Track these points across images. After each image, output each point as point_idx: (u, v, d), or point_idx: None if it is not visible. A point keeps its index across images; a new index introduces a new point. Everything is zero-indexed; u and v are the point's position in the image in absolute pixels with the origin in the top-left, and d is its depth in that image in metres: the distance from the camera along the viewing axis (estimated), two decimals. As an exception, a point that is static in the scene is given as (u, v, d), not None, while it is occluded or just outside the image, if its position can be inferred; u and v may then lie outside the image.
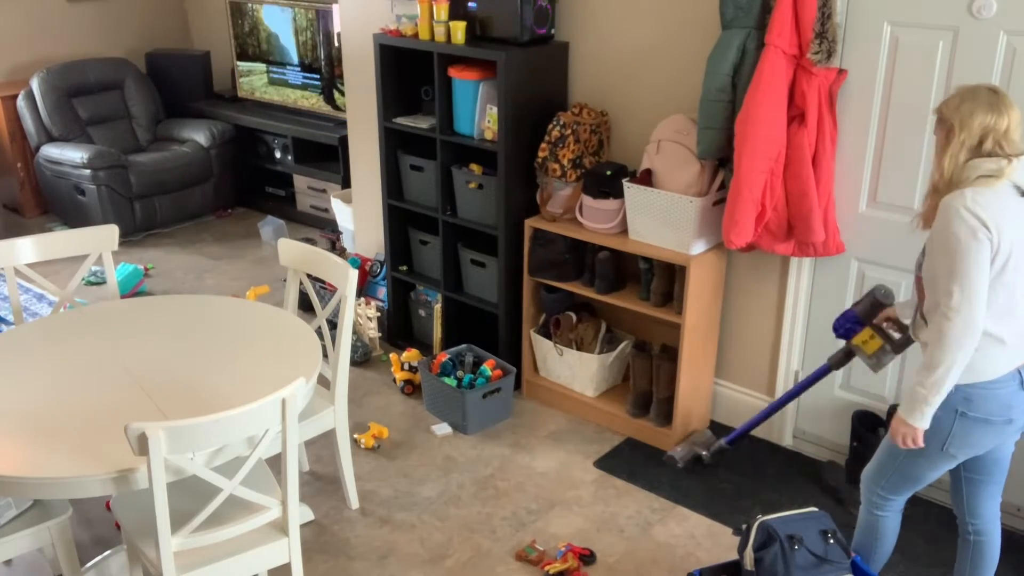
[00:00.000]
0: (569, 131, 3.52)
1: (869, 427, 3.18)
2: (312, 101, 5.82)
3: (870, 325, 2.70)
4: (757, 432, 3.63)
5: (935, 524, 3.10)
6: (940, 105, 2.21)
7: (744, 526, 2.56)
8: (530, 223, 3.67)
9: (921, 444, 2.26)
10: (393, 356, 4.09)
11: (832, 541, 2.49)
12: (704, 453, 3.41)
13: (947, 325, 2.13)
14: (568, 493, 3.32)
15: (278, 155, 5.99)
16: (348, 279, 2.90)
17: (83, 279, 4.19)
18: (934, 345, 2.17)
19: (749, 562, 2.48)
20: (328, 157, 5.78)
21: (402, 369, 4.02)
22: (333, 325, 4.28)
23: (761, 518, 2.52)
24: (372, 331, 4.30)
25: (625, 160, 3.69)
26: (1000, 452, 2.40)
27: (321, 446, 3.57)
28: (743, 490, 3.31)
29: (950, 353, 2.13)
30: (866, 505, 2.55)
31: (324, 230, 5.57)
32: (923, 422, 2.23)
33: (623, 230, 3.50)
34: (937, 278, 2.17)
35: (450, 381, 3.69)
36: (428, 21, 3.69)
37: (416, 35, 3.77)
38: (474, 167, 3.82)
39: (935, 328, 2.17)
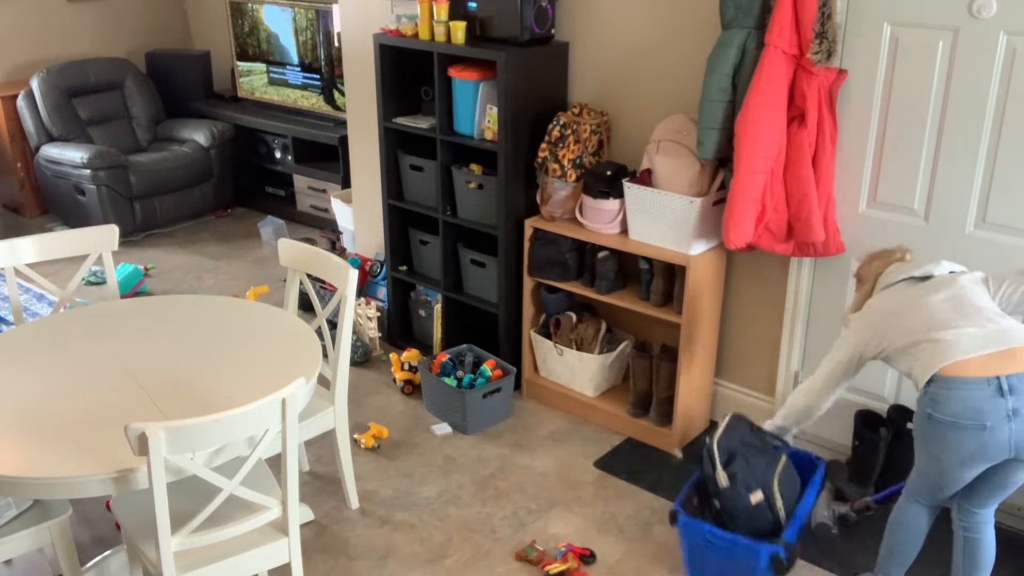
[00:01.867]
0: (569, 131, 3.52)
1: (871, 426, 3.18)
2: (312, 101, 5.82)
3: None
4: (757, 432, 3.64)
5: (935, 525, 3.09)
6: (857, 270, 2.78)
7: (703, 453, 2.81)
8: (530, 223, 3.67)
9: None
10: (393, 356, 4.09)
11: (759, 430, 2.86)
12: (851, 513, 3.02)
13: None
14: (568, 493, 3.32)
15: (278, 155, 5.99)
16: (348, 279, 2.90)
17: (83, 279, 4.19)
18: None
19: (724, 480, 2.73)
20: (328, 157, 5.79)
21: (402, 369, 4.02)
22: (333, 325, 4.28)
23: (708, 441, 2.80)
24: (372, 331, 4.30)
25: (625, 160, 3.69)
26: (1006, 480, 2.39)
27: (321, 446, 3.57)
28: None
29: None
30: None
31: (324, 230, 5.58)
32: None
33: (623, 230, 3.50)
34: None
35: (450, 381, 3.69)
36: (428, 21, 3.70)
37: (416, 35, 3.77)
38: (474, 167, 3.82)
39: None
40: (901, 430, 3.09)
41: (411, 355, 4.07)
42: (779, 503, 2.78)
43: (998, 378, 2.23)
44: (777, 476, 2.79)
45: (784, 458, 2.84)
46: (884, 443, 3.11)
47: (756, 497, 2.75)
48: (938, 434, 2.32)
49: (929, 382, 2.32)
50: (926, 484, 2.48)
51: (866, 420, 3.21)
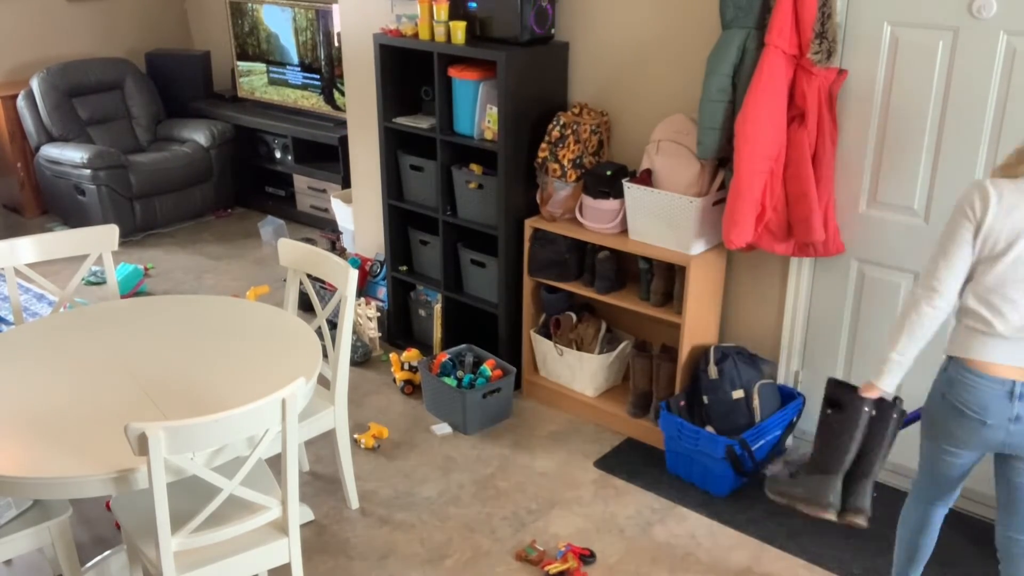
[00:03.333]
0: (569, 131, 3.52)
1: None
2: (312, 101, 5.82)
3: None
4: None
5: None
6: None
7: (708, 352, 3.32)
8: (530, 223, 3.67)
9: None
10: (393, 356, 4.09)
11: (746, 355, 3.33)
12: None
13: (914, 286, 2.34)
14: (568, 493, 3.32)
15: (278, 155, 5.99)
16: (348, 279, 2.90)
17: (83, 279, 4.19)
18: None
19: (714, 372, 3.25)
20: (328, 157, 5.78)
21: (402, 369, 4.02)
22: (333, 325, 4.28)
23: (712, 345, 3.40)
24: (372, 331, 4.30)
25: (625, 160, 3.69)
26: (1018, 487, 2.38)
27: (321, 446, 3.57)
28: (743, 490, 3.31)
29: (903, 308, 2.31)
30: None
31: (324, 230, 5.58)
32: (881, 381, 2.34)
33: (623, 230, 3.50)
34: None
35: (450, 381, 3.69)
36: (428, 21, 3.70)
37: (416, 35, 3.77)
38: (474, 167, 3.82)
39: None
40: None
41: (411, 355, 4.07)
42: (756, 403, 3.22)
43: (1014, 382, 2.24)
44: (760, 384, 3.25)
45: (771, 378, 3.35)
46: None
47: (738, 394, 3.21)
48: (942, 414, 2.33)
49: (951, 360, 2.32)
50: (927, 472, 2.49)
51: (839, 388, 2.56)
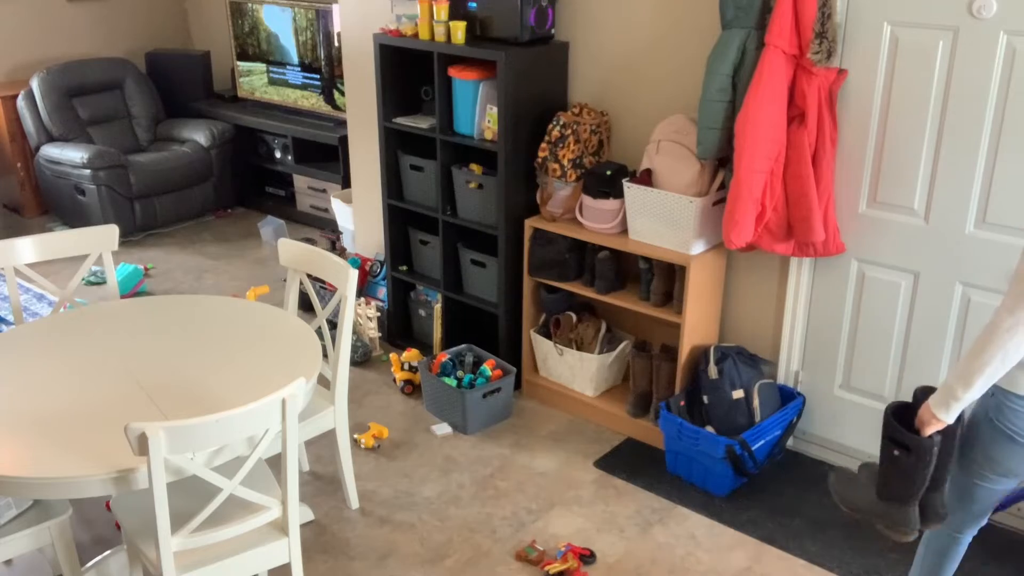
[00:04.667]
0: (569, 131, 3.52)
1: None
2: (312, 101, 5.82)
3: None
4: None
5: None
6: None
7: (708, 352, 3.32)
8: (530, 223, 3.67)
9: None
10: (393, 356, 4.09)
11: (746, 355, 3.35)
12: None
13: (996, 320, 2.06)
14: (568, 493, 3.32)
15: (278, 155, 5.99)
16: (348, 279, 2.90)
17: (83, 279, 4.19)
18: (980, 335, 2.09)
19: (714, 372, 3.26)
20: (328, 157, 5.79)
21: (402, 369, 4.02)
22: (333, 325, 4.28)
23: (712, 345, 3.40)
24: (372, 331, 4.30)
25: (625, 160, 3.69)
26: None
27: (321, 446, 3.57)
28: (743, 490, 3.31)
29: (990, 349, 2.06)
30: None
31: (324, 230, 5.58)
32: (948, 416, 2.14)
33: (623, 230, 3.50)
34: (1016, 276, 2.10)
35: (450, 381, 3.69)
36: (428, 21, 3.70)
37: (416, 35, 3.77)
38: (474, 167, 3.82)
39: (990, 321, 2.08)
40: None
41: (411, 355, 4.07)
42: (756, 403, 3.24)
43: None
44: (760, 383, 3.27)
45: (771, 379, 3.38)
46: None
47: (738, 394, 3.22)
48: (991, 440, 2.21)
49: (997, 388, 2.18)
50: (962, 497, 2.35)
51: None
